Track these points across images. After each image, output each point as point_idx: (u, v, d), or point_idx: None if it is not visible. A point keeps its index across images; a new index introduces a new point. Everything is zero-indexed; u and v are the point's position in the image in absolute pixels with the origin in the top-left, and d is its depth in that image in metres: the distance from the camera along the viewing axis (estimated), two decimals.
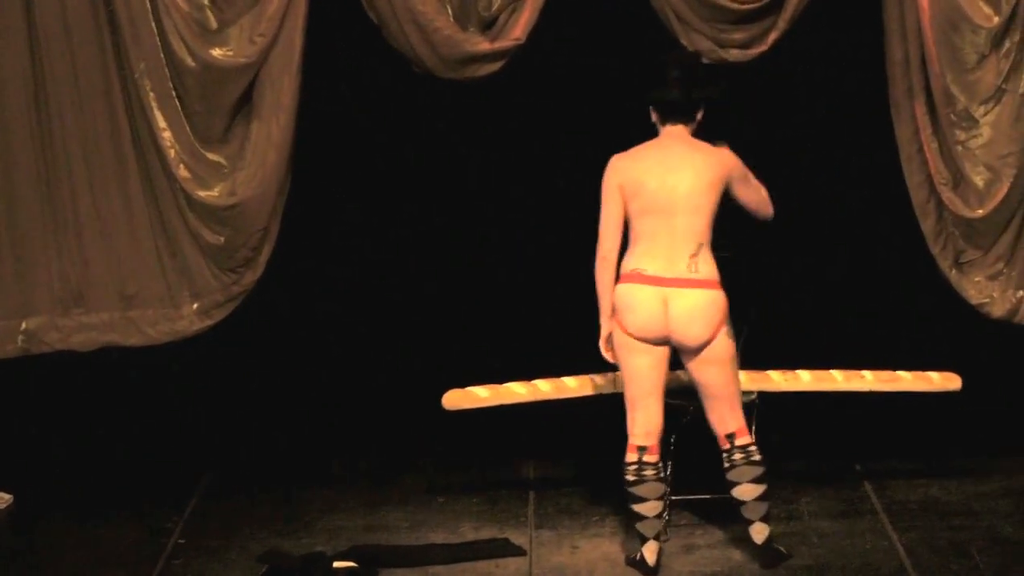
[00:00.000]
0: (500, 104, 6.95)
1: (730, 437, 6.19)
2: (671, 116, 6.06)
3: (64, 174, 6.87)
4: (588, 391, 6.63)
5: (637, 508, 6.14)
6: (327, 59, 6.94)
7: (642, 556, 6.18)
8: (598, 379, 6.62)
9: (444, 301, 7.21)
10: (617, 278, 6.09)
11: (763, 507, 6.20)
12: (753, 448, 6.17)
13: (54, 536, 6.71)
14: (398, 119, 7.12)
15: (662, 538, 6.34)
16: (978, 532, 6.46)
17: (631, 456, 6.13)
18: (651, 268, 6.01)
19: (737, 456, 6.20)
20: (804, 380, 6.74)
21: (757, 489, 6.20)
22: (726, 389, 6.21)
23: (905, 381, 6.80)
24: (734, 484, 6.18)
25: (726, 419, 6.21)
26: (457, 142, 7.11)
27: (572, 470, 7.15)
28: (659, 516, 6.18)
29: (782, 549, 6.22)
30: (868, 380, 6.76)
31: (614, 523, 6.57)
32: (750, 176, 6.14)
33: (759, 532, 6.23)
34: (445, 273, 7.10)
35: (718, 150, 6.07)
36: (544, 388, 6.65)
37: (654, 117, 6.09)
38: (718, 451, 6.22)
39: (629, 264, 6.08)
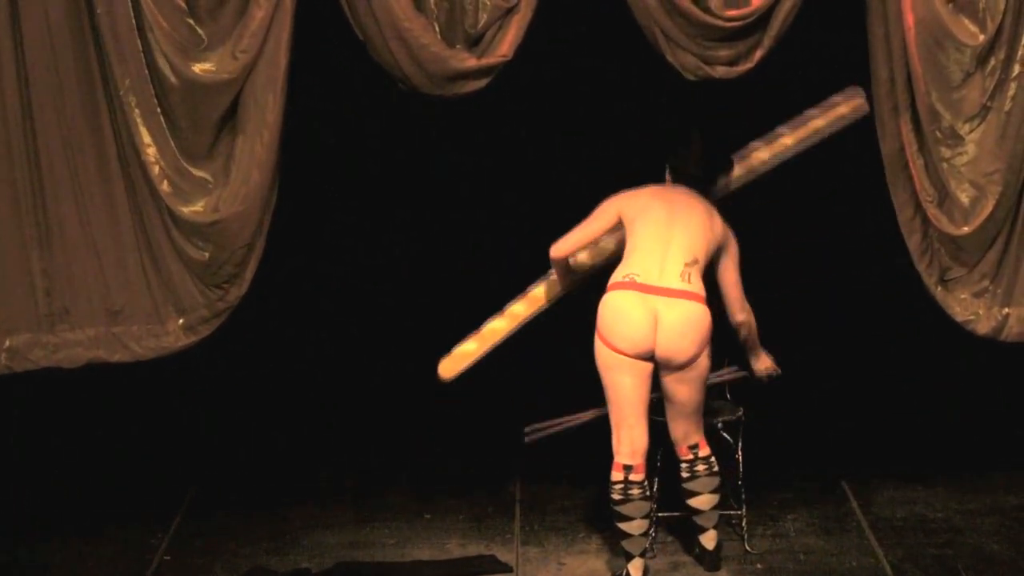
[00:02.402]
0: (486, 114, 6.87)
1: (693, 448, 6.19)
2: (684, 180, 6.21)
3: (48, 189, 6.72)
4: (558, 291, 6.37)
5: (623, 526, 6.06)
6: (312, 76, 6.78)
7: (628, 573, 6.09)
8: (554, 275, 6.43)
9: (432, 318, 7.15)
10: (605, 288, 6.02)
11: (716, 515, 6.26)
12: (713, 459, 6.19)
13: (38, 552, 6.64)
14: (384, 131, 7.08)
15: (648, 555, 6.28)
16: (964, 549, 6.44)
17: (617, 475, 6.05)
18: (643, 276, 5.95)
19: (700, 467, 6.20)
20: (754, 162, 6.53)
21: (715, 499, 6.23)
22: (696, 404, 6.18)
23: (818, 123, 6.59)
24: (695, 494, 6.19)
25: (690, 431, 6.21)
26: (444, 151, 7.07)
27: (558, 488, 7.08)
28: (645, 534, 6.12)
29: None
30: (789, 143, 6.54)
31: (599, 540, 6.51)
32: (736, 261, 6.20)
33: (712, 539, 6.26)
34: (432, 290, 7.08)
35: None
36: (519, 310, 6.39)
37: (668, 171, 6.25)
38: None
39: (620, 271, 6.07)
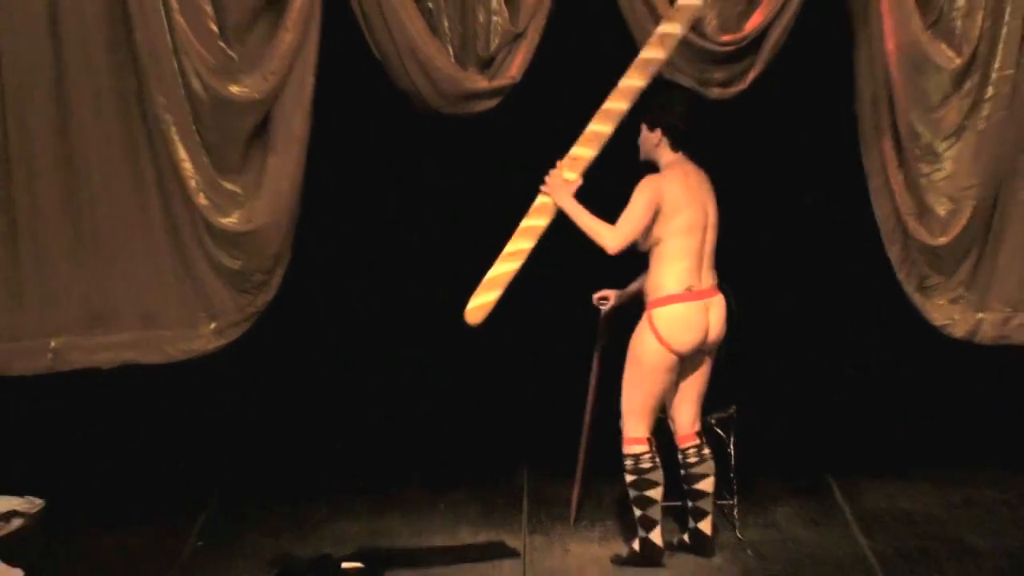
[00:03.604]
0: (496, 130, 6.94)
1: (699, 433, 6.33)
2: (682, 143, 6.21)
3: (88, 202, 6.85)
4: (548, 219, 6.15)
5: (650, 494, 6.22)
6: (335, 94, 6.87)
7: (651, 541, 6.20)
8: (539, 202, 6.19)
9: (444, 318, 6.93)
10: (662, 298, 6.08)
11: (713, 500, 6.41)
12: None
13: (81, 538, 6.73)
14: (401, 145, 7.13)
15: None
16: (944, 540, 6.49)
17: (643, 447, 6.15)
18: (696, 284, 6.14)
19: (706, 451, 6.35)
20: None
21: (714, 482, 6.38)
22: (705, 385, 6.34)
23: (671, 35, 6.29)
24: (704, 476, 6.30)
25: (697, 415, 6.37)
26: (456, 163, 7.14)
27: (563, 480, 7.04)
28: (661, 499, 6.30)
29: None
30: (653, 58, 6.23)
31: (603, 528, 6.61)
32: None
33: (710, 525, 6.35)
34: (445, 290, 6.94)
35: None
36: (524, 245, 6.13)
37: (661, 141, 6.17)
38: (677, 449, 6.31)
39: (679, 283, 6.10)
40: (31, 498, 6.78)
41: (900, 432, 7.32)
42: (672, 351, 6.08)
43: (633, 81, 6.21)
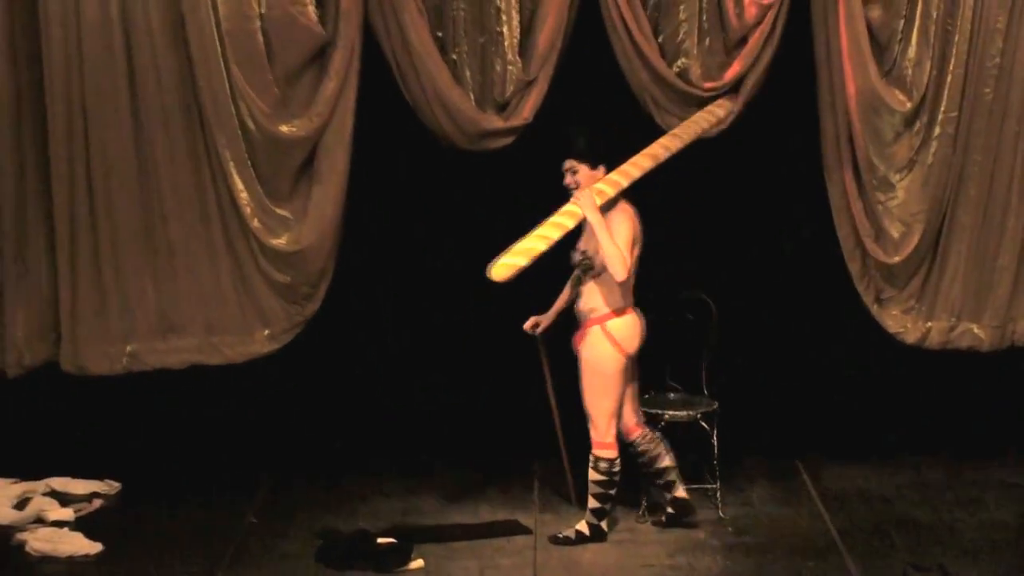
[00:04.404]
0: (510, 163, 7.11)
1: (640, 423, 6.55)
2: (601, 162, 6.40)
3: (161, 225, 7.07)
4: (576, 220, 6.29)
5: (613, 491, 6.43)
6: (372, 132, 7.09)
7: (601, 528, 6.46)
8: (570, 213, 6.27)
9: (472, 322, 7.27)
10: (615, 311, 6.30)
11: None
12: None
13: (153, 516, 6.92)
14: (428, 177, 7.27)
15: (640, 520, 6.67)
16: (895, 516, 6.75)
17: (615, 452, 6.38)
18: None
19: (652, 432, 6.55)
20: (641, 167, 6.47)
21: (671, 455, 6.56)
22: (638, 384, 6.57)
23: (699, 127, 6.71)
24: (666, 452, 6.48)
25: (638, 410, 6.56)
26: (475, 196, 7.26)
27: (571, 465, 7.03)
28: None
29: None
30: (672, 145, 6.59)
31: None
32: None
33: (683, 490, 6.54)
34: (472, 299, 7.05)
35: None
36: (553, 233, 6.23)
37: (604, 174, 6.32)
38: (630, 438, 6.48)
39: (628, 299, 6.35)
40: (110, 481, 7.27)
41: (860, 423, 7.44)
42: (626, 355, 6.30)
43: (662, 148, 6.45)
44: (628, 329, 6.36)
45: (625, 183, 6.37)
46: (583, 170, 6.38)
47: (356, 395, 7.51)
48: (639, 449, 6.57)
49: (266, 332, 7.19)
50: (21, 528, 6.84)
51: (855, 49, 6.95)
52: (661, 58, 7.01)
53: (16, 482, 7.24)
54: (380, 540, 6.48)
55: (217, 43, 6.92)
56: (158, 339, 7.13)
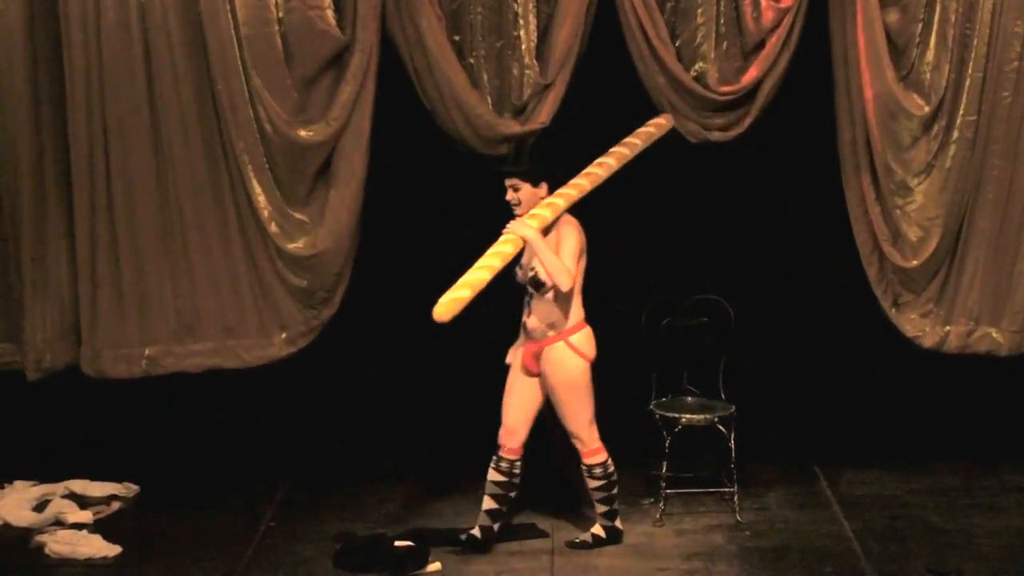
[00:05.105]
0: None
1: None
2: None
3: (179, 230, 7.09)
4: (516, 246, 6.26)
5: (616, 491, 6.44)
6: (389, 137, 7.11)
7: (617, 528, 6.50)
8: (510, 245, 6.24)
9: (489, 326, 7.00)
10: (576, 325, 6.31)
11: None
12: None
13: (171, 519, 6.96)
14: (447, 181, 7.28)
15: (657, 524, 6.68)
16: (911, 521, 6.78)
17: (606, 454, 6.40)
18: None
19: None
20: (581, 186, 6.43)
21: None
22: None
23: (636, 145, 6.66)
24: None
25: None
26: (491, 200, 6.91)
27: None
28: None
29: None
30: (612, 163, 6.57)
31: (621, 510, 6.72)
32: None
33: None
34: (489, 302, 6.65)
35: None
36: (494, 262, 6.16)
37: (547, 195, 6.34)
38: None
39: (581, 312, 6.37)
40: (128, 484, 7.29)
41: (877, 428, 7.47)
42: (591, 363, 6.34)
43: (604, 165, 6.45)
44: (590, 340, 6.40)
45: (564, 204, 6.36)
46: (525, 188, 6.38)
47: (372, 398, 7.55)
48: (514, 471, 6.53)
49: (283, 336, 7.21)
50: (40, 530, 6.88)
51: (872, 53, 6.96)
52: (678, 62, 7.04)
53: (35, 484, 7.28)
54: (397, 543, 6.50)
55: (236, 47, 6.95)
56: (176, 343, 7.16)
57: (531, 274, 6.32)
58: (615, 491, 6.52)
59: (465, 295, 6.07)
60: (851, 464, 7.43)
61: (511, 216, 6.88)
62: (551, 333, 6.36)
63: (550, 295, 6.33)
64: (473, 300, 6.16)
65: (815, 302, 7.44)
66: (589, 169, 6.54)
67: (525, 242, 6.25)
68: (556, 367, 6.36)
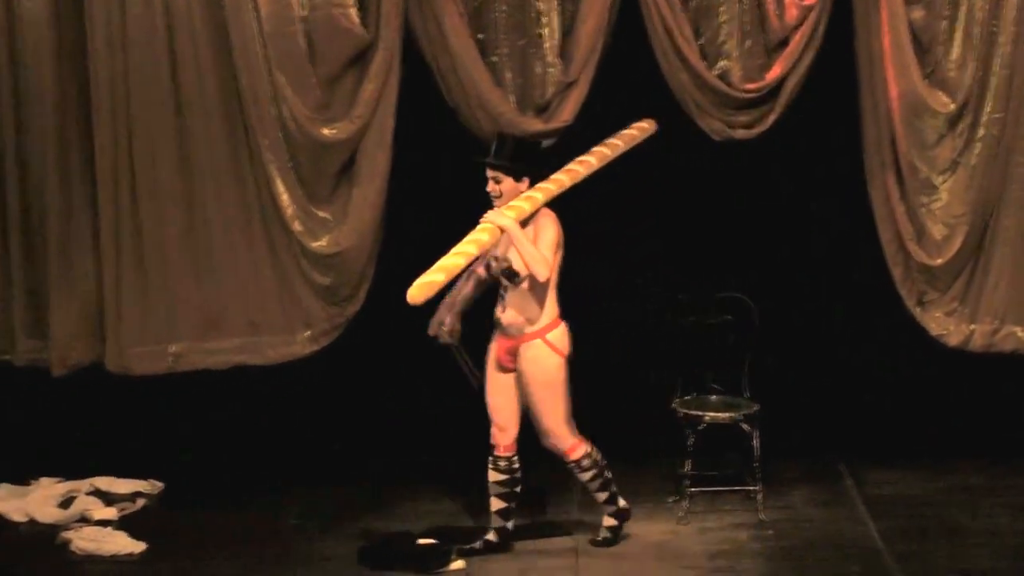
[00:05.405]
0: (554, 168, 6.66)
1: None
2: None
3: (204, 228, 7.14)
4: (493, 235, 6.19)
5: (609, 474, 6.38)
6: (412, 134, 7.11)
7: (622, 509, 6.47)
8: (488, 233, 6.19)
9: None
10: (553, 322, 6.26)
11: None
12: None
13: (195, 517, 6.99)
14: (470, 182, 6.84)
15: (681, 522, 6.68)
16: (937, 520, 6.77)
17: (588, 445, 6.34)
18: None
19: None
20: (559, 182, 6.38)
21: None
22: None
23: (618, 146, 6.62)
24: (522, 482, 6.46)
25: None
26: None
27: (612, 466, 7.09)
28: None
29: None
30: (593, 162, 6.51)
31: (646, 508, 6.85)
32: None
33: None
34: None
35: None
36: (470, 249, 6.11)
37: (527, 190, 6.29)
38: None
39: (557, 309, 6.31)
40: (153, 481, 7.31)
41: (902, 426, 7.46)
42: (567, 359, 6.29)
43: (580, 166, 6.43)
44: (566, 336, 6.34)
45: (542, 198, 6.32)
46: (507, 182, 6.32)
47: (397, 396, 7.55)
48: (513, 466, 6.49)
49: (307, 333, 7.23)
50: (66, 527, 6.91)
51: (897, 51, 6.96)
52: (701, 60, 7.04)
53: (61, 481, 7.32)
54: (421, 541, 6.52)
55: (259, 45, 6.99)
56: (201, 340, 7.19)
57: (504, 265, 6.25)
58: (609, 475, 6.44)
59: (439, 279, 6.03)
60: (876, 463, 7.41)
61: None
62: (527, 329, 6.31)
63: (525, 288, 6.28)
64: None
65: (839, 300, 7.44)
66: (570, 166, 6.53)
67: (503, 231, 6.21)
68: (533, 364, 6.31)
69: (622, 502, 6.56)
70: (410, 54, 7.05)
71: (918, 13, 6.99)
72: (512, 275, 6.26)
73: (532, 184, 6.35)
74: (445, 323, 6.34)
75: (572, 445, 6.38)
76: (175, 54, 7.03)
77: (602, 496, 6.50)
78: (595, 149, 6.62)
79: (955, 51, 7.01)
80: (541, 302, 6.30)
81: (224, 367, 7.23)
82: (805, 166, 7.29)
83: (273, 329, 7.21)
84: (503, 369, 6.42)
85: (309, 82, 7.03)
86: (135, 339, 7.19)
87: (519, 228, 6.18)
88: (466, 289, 6.37)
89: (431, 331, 6.36)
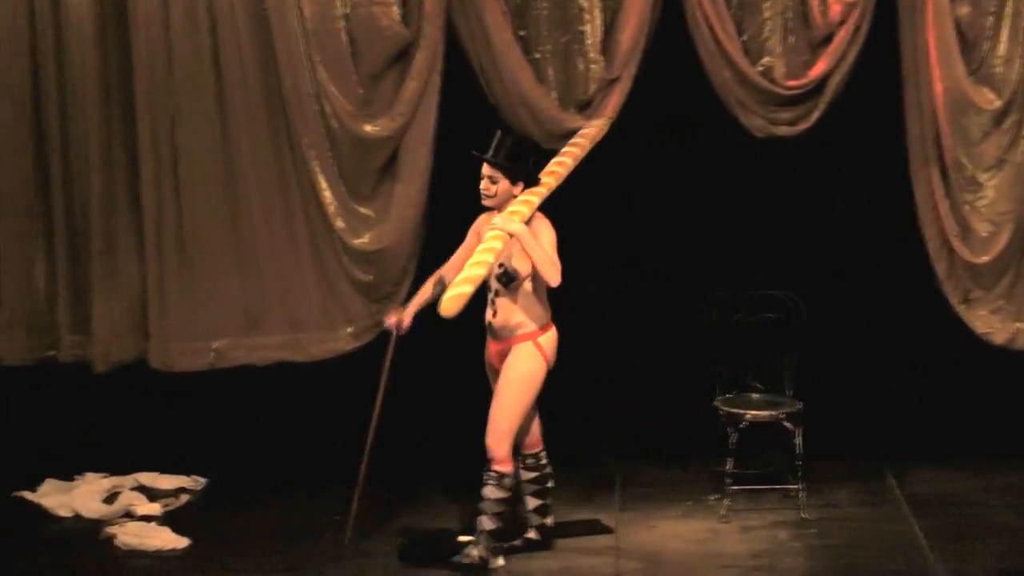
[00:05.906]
0: (595, 164, 6.96)
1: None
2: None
3: (247, 225, 7.17)
4: (504, 241, 6.18)
5: (506, 506, 6.29)
6: (454, 132, 7.06)
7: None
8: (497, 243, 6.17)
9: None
10: (545, 325, 6.26)
11: None
12: None
13: (238, 512, 7.04)
14: None
15: (722, 520, 6.69)
16: (982, 520, 6.74)
17: (512, 468, 6.25)
18: None
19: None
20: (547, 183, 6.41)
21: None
22: None
23: (584, 145, 6.69)
24: (551, 476, 6.46)
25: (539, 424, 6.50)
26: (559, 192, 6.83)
27: (650, 464, 7.38)
28: None
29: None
30: (568, 162, 6.56)
31: (685, 507, 6.89)
32: None
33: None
34: (550, 293, 6.55)
35: None
36: (487, 258, 6.12)
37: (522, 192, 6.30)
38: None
39: (548, 312, 6.32)
40: (197, 477, 7.36)
41: (946, 424, 7.43)
42: (548, 368, 6.27)
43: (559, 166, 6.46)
44: (555, 343, 6.32)
45: (538, 202, 6.31)
46: (503, 183, 6.30)
47: (437, 396, 7.52)
48: (541, 462, 6.48)
49: (349, 330, 7.24)
50: (110, 522, 6.96)
51: (943, 47, 6.93)
52: (744, 56, 7.01)
53: (105, 476, 7.36)
54: (461, 538, 6.49)
55: (302, 43, 7.03)
56: (243, 336, 7.21)
57: (500, 270, 6.24)
58: (506, 501, 6.28)
59: (467, 290, 6.05)
60: (920, 462, 7.40)
61: (577, 209, 6.92)
62: (519, 332, 6.28)
63: (517, 291, 6.26)
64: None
65: (883, 298, 7.42)
66: (551, 168, 6.52)
67: (512, 237, 6.18)
68: (515, 359, 6.26)
69: (488, 553, 6.29)
70: (452, 51, 7.06)
71: (964, 9, 6.96)
72: (510, 279, 6.26)
73: (525, 188, 6.33)
74: (404, 321, 6.44)
75: (503, 458, 6.25)
76: (218, 53, 7.07)
77: (486, 523, 6.29)
78: (566, 150, 6.67)
79: (1001, 47, 6.96)
80: (532, 304, 6.29)
81: (266, 363, 7.25)
82: (849, 163, 7.26)
83: (315, 326, 7.23)
84: (498, 373, 6.39)
85: (351, 79, 7.06)
86: (178, 335, 7.23)
87: (529, 233, 6.17)
88: (428, 293, 6.46)
89: (389, 322, 6.49)
